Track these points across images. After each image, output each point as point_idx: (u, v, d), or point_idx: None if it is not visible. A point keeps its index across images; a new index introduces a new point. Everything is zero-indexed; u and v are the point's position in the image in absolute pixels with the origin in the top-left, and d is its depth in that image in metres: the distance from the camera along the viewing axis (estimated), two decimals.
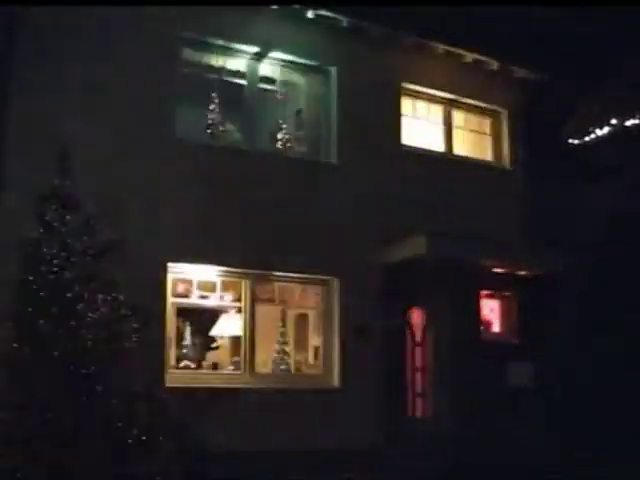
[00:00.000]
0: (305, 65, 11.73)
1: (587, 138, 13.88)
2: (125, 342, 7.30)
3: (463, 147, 13.29)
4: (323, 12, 11.27)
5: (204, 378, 10.37)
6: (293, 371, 11.27)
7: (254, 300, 10.78)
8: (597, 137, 13.75)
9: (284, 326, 11.39)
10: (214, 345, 11.39)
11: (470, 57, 12.72)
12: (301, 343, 11.72)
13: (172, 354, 10.35)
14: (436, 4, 11.50)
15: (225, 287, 10.77)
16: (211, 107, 11.47)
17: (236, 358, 10.82)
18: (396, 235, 11.34)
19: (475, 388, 11.70)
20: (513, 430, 11.47)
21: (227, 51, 11.12)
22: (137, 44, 10.02)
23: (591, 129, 13.80)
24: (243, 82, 11.29)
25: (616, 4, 12.48)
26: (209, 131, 11.27)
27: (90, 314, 7.18)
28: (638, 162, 13.00)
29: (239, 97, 11.30)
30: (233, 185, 10.57)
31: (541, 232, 13.03)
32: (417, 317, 12.24)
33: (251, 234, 10.49)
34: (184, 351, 10.70)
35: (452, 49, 12.51)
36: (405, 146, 12.33)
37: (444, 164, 12.61)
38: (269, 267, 10.76)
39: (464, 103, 13.25)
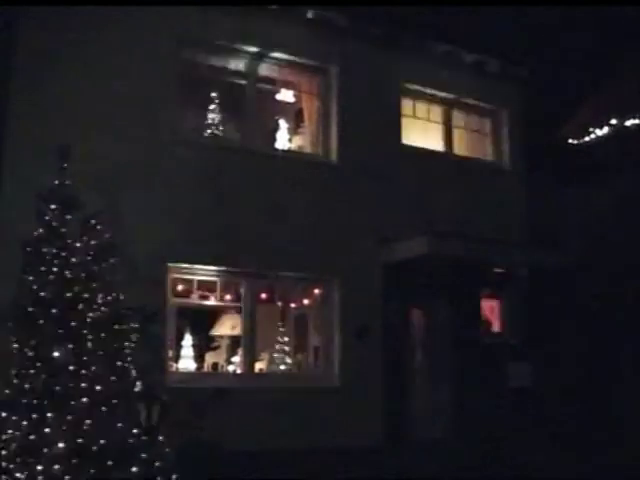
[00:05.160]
0: (305, 65, 11.72)
1: (587, 138, 13.88)
2: (125, 342, 7.29)
3: (463, 147, 13.31)
4: (323, 12, 11.27)
5: (204, 378, 10.38)
6: (293, 371, 11.27)
7: (254, 300, 10.78)
8: (597, 137, 13.75)
9: (284, 326, 11.40)
10: (214, 345, 11.40)
11: (470, 57, 12.75)
12: (301, 343, 11.72)
13: (172, 354, 10.34)
14: (436, 4, 11.52)
15: (225, 287, 10.77)
16: (211, 107, 11.51)
17: (236, 358, 10.83)
18: (396, 235, 11.35)
19: (475, 388, 11.70)
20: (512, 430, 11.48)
21: (227, 51, 11.11)
22: (137, 44, 10.02)
23: (591, 129, 13.81)
24: (243, 82, 11.29)
25: (616, 4, 12.49)
26: (209, 131, 11.28)
27: (91, 314, 7.17)
28: (638, 162, 13.00)
29: (239, 97, 11.30)
30: (233, 185, 10.56)
31: (541, 232, 13.03)
32: (417, 317, 12.23)
33: (251, 234, 10.48)
34: (184, 351, 10.70)
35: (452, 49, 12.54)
36: (405, 146, 12.34)
37: (444, 164, 12.63)
38: (269, 267, 10.75)
39: (464, 103, 13.26)
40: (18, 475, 6.57)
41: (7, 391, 6.93)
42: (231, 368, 10.89)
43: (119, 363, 7.17)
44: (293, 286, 11.48)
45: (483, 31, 12.34)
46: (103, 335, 7.16)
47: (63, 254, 7.27)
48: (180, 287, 10.54)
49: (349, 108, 11.71)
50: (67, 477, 6.54)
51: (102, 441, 6.72)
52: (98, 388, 6.91)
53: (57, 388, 6.78)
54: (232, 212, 10.46)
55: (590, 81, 14.01)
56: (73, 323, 7.02)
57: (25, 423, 6.72)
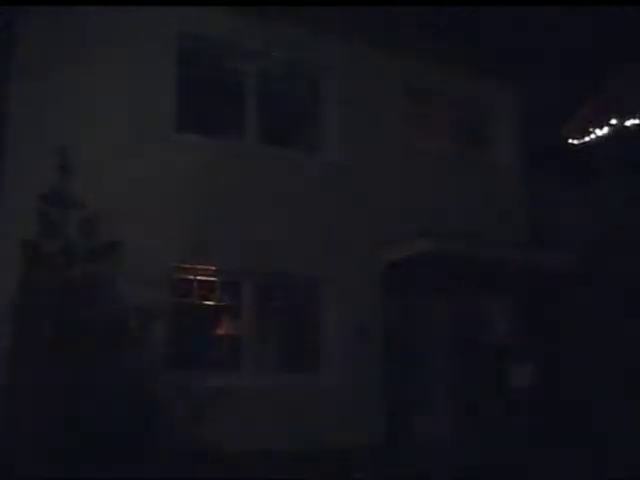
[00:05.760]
0: (305, 65, 11.71)
1: (587, 138, 13.88)
2: (126, 342, 7.31)
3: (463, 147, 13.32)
4: (323, 12, 11.26)
5: (204, 378, 10.37)
6: (293, 371, 11.26)
7: (254, 300, 10.77)
8: (597, 137, 13.76)
9: (284, 326, 11.39)
10: (214, 345, 11.38)
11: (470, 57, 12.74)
12: (301, 343, 11.72)
13: (172, 354, 10.33)
14: (436, 4, 11.51)
15: (225, 287, 10.77)
16: (211, 107, 11.49)
17: (236, 358, 10.82)
18: (397, 235, 11.35)
19: (475, 388, 11.70)
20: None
21: (227, 51, 11.11)
22: (137, 44, 10.03)
23: (591, 129, 13.81)
24: (243, 81, 11.28)
25: (616, 4, 12.48)
26: (209, 131, 11.27)
27: (91, 314, 7.19)
28: (638, 162, 12.99)
29: (239, 97, 11.31)
30: (233, 185, 10.57)
31: (541, 232, 13.03)
32: (417, 317, 12.22)
33: (252, 234, 10.48)
34: (184, 351, 10.67)
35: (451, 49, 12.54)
36: (405, 146, 12.33)
37: (444, 164, 12.63)
38: (269, 267, 10.75)
39: (464, 103, 13.26)
40: None
41: None
42: (231, 368, 10.87)
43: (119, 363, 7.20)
44: (293, 286, 11.49)
45: (483, 31, 12.33)
46: (103, 335, 7.18)
47: (64, 254, 7.30)
48: (180, 287, 10.54)
49: (349, 108, 11.71)
50: None
51: None
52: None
53: None
54: (232, 212, 10.46)
55: (590, 81, 14.01)
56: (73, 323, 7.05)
57: None
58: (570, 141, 14.12)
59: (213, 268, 10.48)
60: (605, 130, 13.75)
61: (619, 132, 13.58)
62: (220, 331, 11.28)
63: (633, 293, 12.62)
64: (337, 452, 9.91)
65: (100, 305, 7.32)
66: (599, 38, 13.31)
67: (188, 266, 10.27)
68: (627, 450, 10.52)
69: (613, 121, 13.66)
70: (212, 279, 10.63)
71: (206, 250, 10.06)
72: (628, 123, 13.50)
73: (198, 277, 10.56)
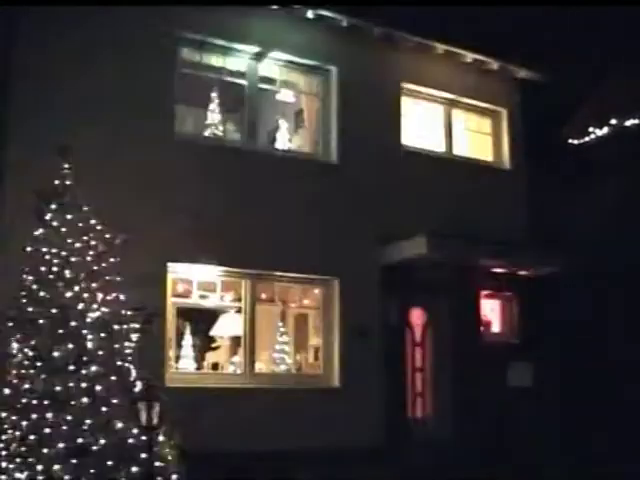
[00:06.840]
0: (305, 65, 11.71)
1: (587, 138, 13.87)
2: (125, 342, 7.30)
3: (463, 147, 13.31)
4: (323, 12, 11.26)
5: (204, 378, 10.38)
6: (293, 371, 11.27)
7: (254, 300, 10.77)
8: (597, 137, 13.74)
9: (284, 326, 11.40)
10: (214, 345, 11.41)
11: (470, 57, 12.74)
12: (301, 343, 11.73)
13: (172, 354, 10.34)
14: (436, 4, 11.50)
15: (225, 287, 10.77)
16: (211, 107, 11.51)
17: (236, 358, 10.83)
18: (396, 235, 11.33)
19: (475, 388, 11.69)
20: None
21: (227, 51, 11.11)
22: (137, 44, 10.01)
23: (591, 129, 13.80)
24: (243, 82, 11.27)
25: (616, 4, 12.49)
26: (209, 131, 11.28)
27: (90, 314, 7.18)
28: (638, 162, 12.99)
29: (239, 97, 11.31)
30: (233, 185, 10.56)
31: (541, 232, 13.03)
32: (417, 317, 12.22)
33: (251, 234, 10.47)
34: (184, 351, 10.69)
35: (452, 49, 12.52)
36: (405, 146, 12.33)
37: (444, 164, 12.62)
38: (269, 267, 10.74)
39: (464, 103, 13.26)
40: (18, 475, 6.58)
41: (7, 391, 6.95)
42: (231, 368, 10.88)
43: (119, 363, 7.19)
44: (293, 286, 11.48)
45: (483, 31, 12.33)
46: (103, 335, 7.17)
47: (63, 254, 7.29)
48: (180, 287, 10.54)
49: (349, 108, 11.70)
50: (67, 477, 6.55)
51: (102, 441, 6.74)
52: (98, 388, 6.93)
53: (57, 388, 6.80)
54: (232, 212, 10.45)
55: (590, 81, 14.00)
56: (73, 323, 7.04)
57: (25, 423, 6.74)
58: (570, 141, 14.11)
59: (213, 268, 10.45)
60: (605, 130, 13.74)
61: (619, 132, 13.57)
62: (220, 331, 11.30)
63: (632, 292, 12.62)
64: (337, 452, 9.90)
65: (100, 305, 7.30)
66: (599, 38, 13.31)
67: (188, 266, 10.25)
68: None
69: (613, 121, 13.65)
70: (212, 279, 10.62)
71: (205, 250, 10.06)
72: (628, 123, 13.49)
73: (198, 277, 10.55)
